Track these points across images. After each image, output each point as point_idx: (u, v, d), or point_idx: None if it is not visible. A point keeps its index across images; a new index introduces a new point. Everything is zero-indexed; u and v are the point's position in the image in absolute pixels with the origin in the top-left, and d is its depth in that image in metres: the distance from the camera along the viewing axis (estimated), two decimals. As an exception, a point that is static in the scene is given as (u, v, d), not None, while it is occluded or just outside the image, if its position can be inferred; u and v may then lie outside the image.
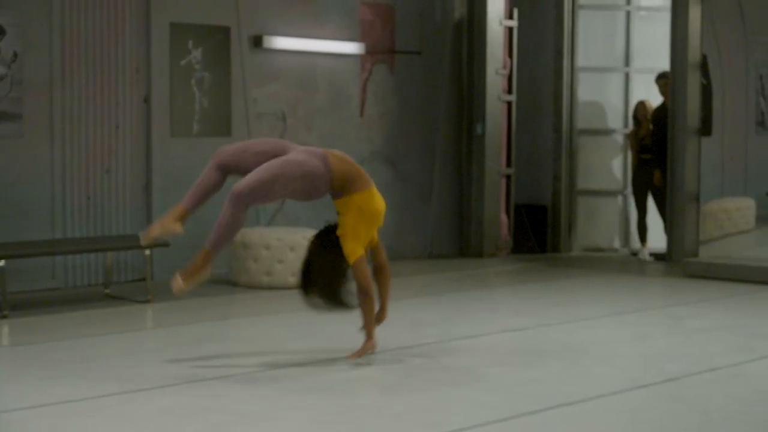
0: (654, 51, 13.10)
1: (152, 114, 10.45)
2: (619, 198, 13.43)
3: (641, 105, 12.71)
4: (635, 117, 12.74)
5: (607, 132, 13.38)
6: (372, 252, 7.14)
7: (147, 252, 9.37)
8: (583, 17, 13.18)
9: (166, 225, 6.99)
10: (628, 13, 13.37)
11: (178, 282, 6.78)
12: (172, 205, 10.43)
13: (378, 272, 7.20)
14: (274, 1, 11.26)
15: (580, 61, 13.17)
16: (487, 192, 12.53)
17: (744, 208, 11.52)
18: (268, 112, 11.25)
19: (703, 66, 11.59)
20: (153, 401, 5.89)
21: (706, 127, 11.60)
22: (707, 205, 11.40)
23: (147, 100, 10.44)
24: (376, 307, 7.09)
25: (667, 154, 11.91)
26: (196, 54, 10.68)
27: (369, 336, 7.00)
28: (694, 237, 11.63)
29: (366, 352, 6.95)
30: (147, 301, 9.20)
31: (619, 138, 13.39)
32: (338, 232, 6.95)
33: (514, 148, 12.86)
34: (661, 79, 12.35)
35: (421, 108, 12.51)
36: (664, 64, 12.25)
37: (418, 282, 10.65)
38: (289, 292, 9.80)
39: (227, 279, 10.32)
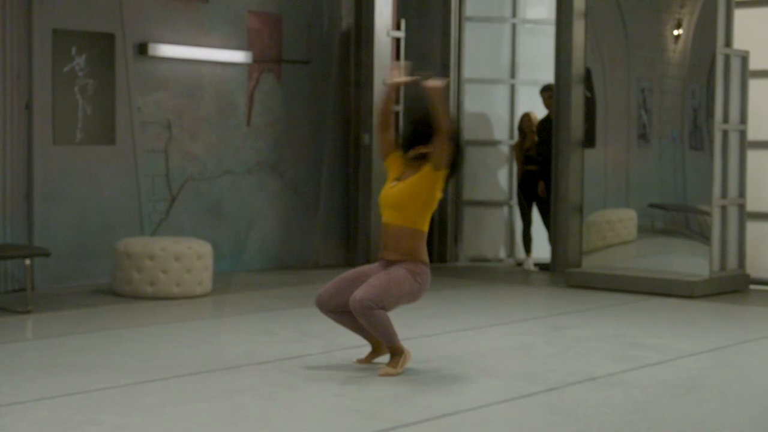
0: (539, 63, 13.28)
1: (34, 121, 10.26)
2: (505, 209, 13.56)
3: (526, 117, 12.86)
4: (520, 129, 12.89)
5: (493, 143, 13.50)
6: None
7: (27, 262, 9.20)
8: (469, 29, 13.30)
9: None
10: (513, 26, 13.52)
11: (390, 371, 6.83)
12: (53, 214, 10.33)
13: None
14: (160, 9, 11.15)
15: (467, 72, 13.28)
16: (374, 202, 12.55)
17: (626, 219, 11.68)
18: (153, 121, 11.14)
19: (587, 79, 11.76)
20: (30, 415, 5.77)
21: (589, 140, 11.77)
22: (590, 216, 11.56)
23: (28, 107, 10.25)
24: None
25: (552, 166, 12.07)
26: (80, 61, 10.52)
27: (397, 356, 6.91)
28: (577, 247, 11.80)
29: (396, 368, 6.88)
30: (27, 312, 9.02)
31: (505, 149, 13.53)
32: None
33: (401, 159, 12.89)
34: (546, 91, 12.52)
35: (308, 117, 12.49)
36: (549, 77, 12.42)
37: (304, 292, 10.61)
38: (173, 302, 9.71)
39: (110, 289, 10.17)
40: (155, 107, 11.16)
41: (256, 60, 11.94)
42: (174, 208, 11.32)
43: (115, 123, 10.81)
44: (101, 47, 10.69)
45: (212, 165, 11.64)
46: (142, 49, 10.96)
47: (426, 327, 8.64)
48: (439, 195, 7.04)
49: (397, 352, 6.86)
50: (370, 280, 6.84)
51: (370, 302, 6.69)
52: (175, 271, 9.88)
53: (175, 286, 9.89)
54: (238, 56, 11.73)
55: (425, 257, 7.03)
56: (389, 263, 6.97)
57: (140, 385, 6.47)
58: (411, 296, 6.94)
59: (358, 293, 6.73)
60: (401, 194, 6.98)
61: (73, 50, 10.49)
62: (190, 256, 9.96)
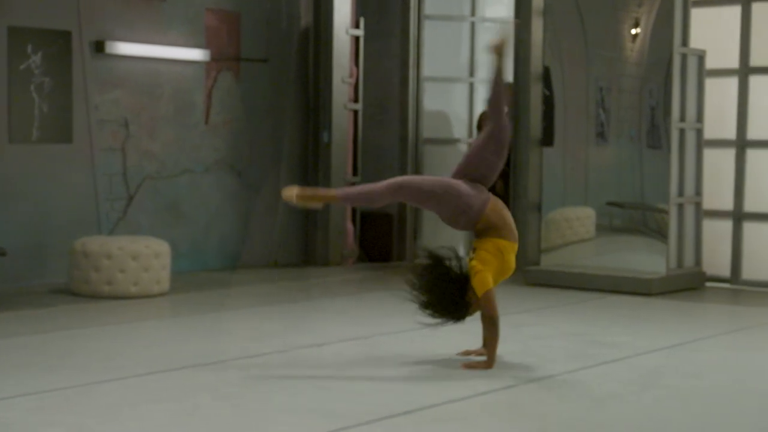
0: (498, 62, 13.27)
1: (-11, 119, 10.19)
2: (464, 207, 13.55)
3: (485, 115, 12.84)
4: (479, 127, 12.90)
5: (452, 141, 13.52)
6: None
7: (-18, 261, 9.13)
8: (428, 27, 13.30)
9: (316, 196, 7.34)
10: (473, 24, 13.54)
11: (292, 190, 7.13)
12: (10, 213, 10.25)
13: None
14: (117, 6, 11.08)
15: (426, 71, 13.29)
16: (333, 200, 12.53)
17: (584, 217, 11.73)
18: (111, 119, 11.07)
19: (546, 77, 11.80)
20: (-16, 415, 5.73)
21: (547, 138, 11.81)
22: (549, 214, 11.61)
23: (-16, 105, 10.18)
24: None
25: (510, 164, 12.10)
26: (36, 59, 10.44)
27: (490, 359, 7.08)
28: (535, 246, 11.84)
29: (480, 368, 7.02)
30: (-18, 312, 8.96)
31: (464, 147, 13.54)
32: (472, 264, 7.11)
33: (360, 157, 12.91)
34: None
35: (267, 116, 12.46)
36: (508, 76, 12.43)
37: (262, 291, 10.60)
38: (131, 302, 9.66)
39: (67, 289, 10.10)
40: (113, 105, 11.09)
41: (215, 58, 11.90)
42: (132, 207, 11.26)
43: (72, 121, 10.73)
44: (58, 45, 10.61)
45: (170, 164, 11.58)
46: (99, 46, 10.89)
47: (384, 325, 8.64)
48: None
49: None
50: None
51: (404, 190, 7.21)
52: (132, 271, 9.83)
53: (132, 285, 9.84)
54: (196, 54, 11.68)
55: None
56: None
57: (97, 385, 6.43)
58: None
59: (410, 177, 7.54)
60: None
61: (29, 48, 10.40)
62: (147, 256, 9.91)
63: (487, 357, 7.10)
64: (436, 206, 7.19)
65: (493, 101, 7.30)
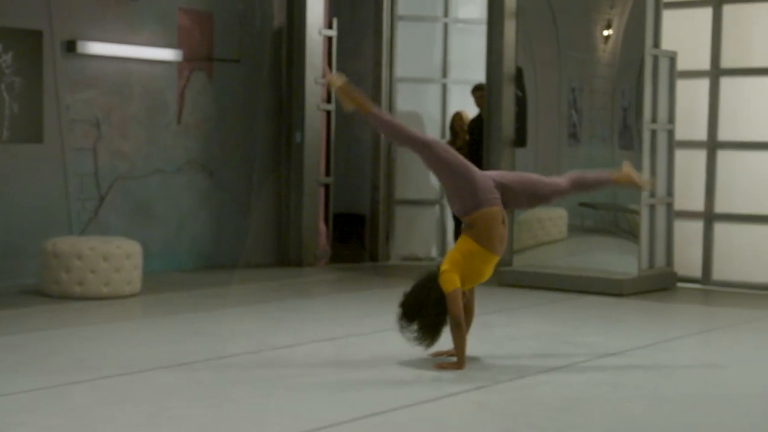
0: (470, 63, 13.32)
1: (-41, 119, 10.13)
2: (436, 207, 13.60)
3: (458, 116, 12.90)
4: (452, 128, 12.93)
5: (425, 142, 13.50)
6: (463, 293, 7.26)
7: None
8: (401, 28, 13.32)
9: (355, 98, 7.32)
10: (445, 25, 13.56)
11: (340, 79, 7.31)
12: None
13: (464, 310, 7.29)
14: (89, 6, 11.04)
15: (399, 71, 13.30)
16: (306, 201, 12.53)
17: (557, 217, 11.75)
18: (82, 119, 11.02)
19: (518, 78, 11.83)
20: (-48, 417, 5.69)
21: (520, 139, 11.83)
22: (521, 214, 11.63)
23: (-46, 104, 10.12)
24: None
25: (483, 165, 12.11)
26: (6, 58, 10.39)
27: (459, 361, 7.09)
28: (508, 246, 11.81)
29: (451, 369, 7.04)
30: (-48, 313, 8.90)
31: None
32: (441, 264, 7.18)
33: (333, 158, 12.90)
34: (477, 90, 12.56)
35: (239, 116, 12.44)
36: (480, 76, 12.46)
37: (235, 291, 10.57)
38: (102, 303, 9.62)
39: (38, 289, 10.05)
40: (84, 105, 11.04)
41: (187, 58, 11.86)
42: (103, 207, 11.22)
43: (43, 121, 10.68)
44: (29, 44, 10.56)
45: (142, 164, 11.55)
46: (70, 46, 10.85)
47: (356, 326, 8.64)
48: None
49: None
50: None
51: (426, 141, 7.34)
52: (103, 271, 9.79)
53: (103, 286, 9.80)
54: (168, 54, 11.64)
55: None
56: None
57: (68, 386, 6.40)
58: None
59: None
60: None
61: (0, 47, 10.35)
62: (119, 256, 9.88)
63: (457, 358, 7.11)
64: (446, 176, 7.21)
65: (588, 186, 7.57)
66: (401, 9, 13.32)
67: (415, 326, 7.15)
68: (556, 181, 7.43)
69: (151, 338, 8.09)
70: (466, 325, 7.24)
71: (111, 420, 5.68)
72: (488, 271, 7.28)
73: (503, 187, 7.25)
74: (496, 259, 7.26)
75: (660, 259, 11.27)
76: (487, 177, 7.27)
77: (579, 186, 7.51)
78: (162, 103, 11.72)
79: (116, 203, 11.32)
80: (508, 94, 11.93)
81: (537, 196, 7.39)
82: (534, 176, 7.53)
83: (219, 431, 5.53)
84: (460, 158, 7.24)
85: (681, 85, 11.53)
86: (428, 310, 7.11)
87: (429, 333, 7.15)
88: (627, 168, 7.58)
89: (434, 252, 13.57)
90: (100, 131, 11.17)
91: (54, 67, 10.74)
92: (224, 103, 12.28)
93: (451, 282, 7.06)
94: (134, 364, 7.03)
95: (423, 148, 7.22)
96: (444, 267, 7.13)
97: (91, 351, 7.53)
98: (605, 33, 11.29)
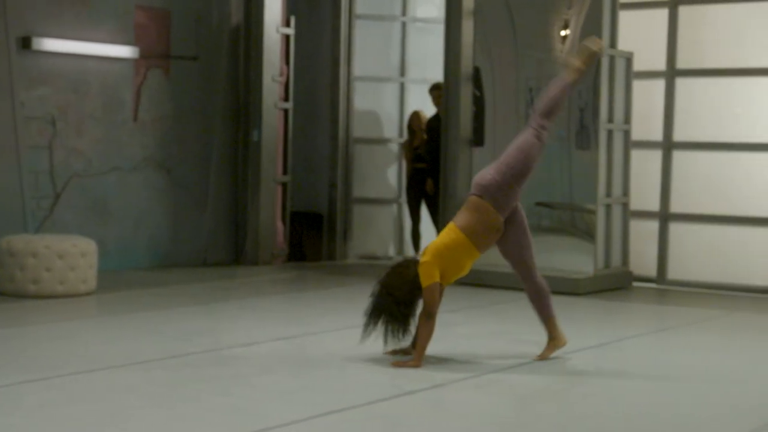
0: (428, 62, 13.35)
1: None
2: (394, 206, 13.61)
3: (415, 115, 12.92)
4: (410, 127, 12.95)
5: (383, 141, 13.54)
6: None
7: None
8: (359, 27, 13.32)
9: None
10: (403, 24, 13.57)
11: (601, 42, 7.48)
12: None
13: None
14: (45, 2, 10.96)
15: (357, 70, 13.30)
16: (263, 199, 12.50)
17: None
18: (37, 117, 10.94)
19: (476, 78, 11.86)
20: None
21: (478, 138, 11.86)
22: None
23: None
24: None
25: (440, 164, 12.13)
26: (-39, 54, 10.30)
27: (417, 357, 7.07)
28: (465, 245, 11.85)
29: (408, 367, 7.01)
30: None
31: (394, 147, 13.58)
32: (424, 252, 7.15)
33: (291, 156, 12.88)
34: (435, 89, 12.59)
35: (197, 114, 12.39)
36: (438, 76, 12.48)
37: (191, 290, 10.53)
38: (57, 301, 9.56)
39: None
40: (39, 102, 10.96)
41: (144, 55, 11.80)
42: (58, 205, 11.14)
43: (-3, 118, 10.61)
44: (-17, 41, 10.48)
45: (98, 161, 11.48)
46: (25, 42, 10.76)
47: (313, 325, 8.63)
48: None
49: None
50: None
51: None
52: (58, 269, 9.72)
53: (59, 284, 9.73)
54: (125, 51, 11.58)
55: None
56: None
57: (22, 385, 6.35)
58: None
59: None
60: None
61: (-46, 43, 10.27)
62: (74, 254, 9.81)
63: (414, 356, 7.12)
64: (527, 157, 7.27)
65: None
66: (359, 8, 13.32)
67: (384, 318, 7.10)
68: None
69: (107, 337, 8.04)
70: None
71: (66, 419, 5.64)
72: (468, 267, 7.29)
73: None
74: (476, 257, 7.26)
75: (616, 259, 11.34)
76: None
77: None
78: (118, 100, 11.65)
79: (72, 201, 11.25)
80: (466, 93, 11.95)
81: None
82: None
83: (174, 431, 5.51)
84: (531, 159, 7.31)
85: (637, 85, 11.61)
86: (402, 297, 7.08)
87: (398, 325, 7.11)
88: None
89: (392, 251, 13.59)
90: (55, 128, 11.10)
91: (9, 64, 10.65)
92: (181, 101, 12.23)
93: (429, 276, 7.05)
94: (89, 363, 6.99)
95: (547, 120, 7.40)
96: (425, 258, 7.11)
97: (46, 350, 7.48)
98: (562, 33, 11.34)
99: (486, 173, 7.26)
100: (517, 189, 7.25)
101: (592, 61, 7.55)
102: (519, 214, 7.36)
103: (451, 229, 7.21)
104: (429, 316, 7.06)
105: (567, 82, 7.42)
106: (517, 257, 7.38)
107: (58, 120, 11.12)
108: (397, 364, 7.07)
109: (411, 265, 7.18)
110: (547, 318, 7.46)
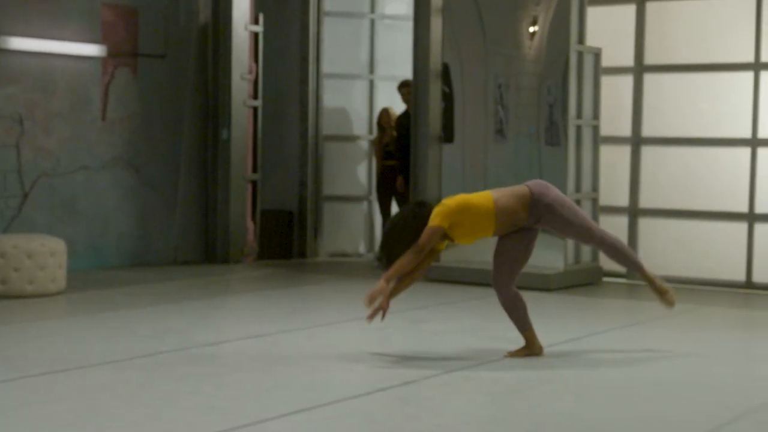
0: (397, 59, 13.35)
1: None
2: (364, 204, 13.61)
3: (385, 112, 12.92)
4: (379, 124, 12.94)
5: (353, 138, 13.54)
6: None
7: None
8: (328, 24, 13.31)
9: None
10: (372, 21, 13.57)
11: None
12: None
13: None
14: (11, 1, 10.88)
15: (326, 67, 13.29)
16: (233, 197, 12.47)
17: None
18: (4, 116, 10.88)
19: (445, 75, 11.87)
20: None
21: (447, 135, 11.88)
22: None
23: None
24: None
25: (410, 161, 12.14)
26: (-74, 53, 10.23)
27: (385, 276, 7.06)
28: (435, 242, 11.87)
29: (377, 292, 6.99)
30: None
31: (364, 144, 13.57)
32: (445, 201, 7.24)
33: (260, 154, 12.85)
34: (404, 87, 12.59)
35: (165, 112, 12.35)
36: (407, 73, 12.49)
37: (162, 289, 10.50)
38: (26, 301, 9.51)
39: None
40: (6, 101, 10.90)
41: (111, 54, 11.75)
42: (26, 204, 11.08)
43: (-36, 117, 10.54)
44: (-51, 39, 10.41)
45: (66, 160, 11.42)
46: (-8, 41, 10.72)
47: (284, 323, 8.62)
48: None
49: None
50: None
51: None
52: (27, 269, 9.67)
53: (27, 284, 9.68)
54: (92, 50, 11.53)
55: None
56: None
57: (-10, 386, 6.33)
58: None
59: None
60: None
61: None
62: (43, 254, 9.76)
63: (383, 277, 7.09)
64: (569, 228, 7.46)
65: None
66: (328, 5, 13.31)
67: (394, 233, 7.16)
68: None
69: (77, 337, 8.00)
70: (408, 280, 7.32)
71: (37, 420, 5.61)
72: (474, 238, 7.32)
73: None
74: (488, 233, 7.30)
75: (586, 254, 11.38)
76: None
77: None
78: (86, 99, 11.60)
79: (40, 200, 11.19)
80: (435, 90, 11.96)
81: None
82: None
83: (146, 430, 5.49)
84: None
85: (605, 81, 11.65)
86: (406, 225, 7.14)
87: (388, 247, 7.18)
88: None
89: (362, 248, 13.59)
90: (22, 127, 11.04)
91: (-25, 63, 10.60)
92: (150, 99, 12.19)
93: (441, 218, 7.07)
94: (59, 362, 6.95)
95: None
96: (448, 201, 7.19)
97: (15, 350, 7.44)
98: (531, 29, 11.37)
99: (555, 189, 7.37)
100: (545, 224, 7.34)
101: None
102: (535, 237, 7.42)
103: (485, 196, 7.24)
104: (417, 252, 7.09)
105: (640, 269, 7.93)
106: (507, 263, 7.40)
107: (26, 119, 11.06)
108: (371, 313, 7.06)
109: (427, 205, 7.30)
110: (523, 329, 7.47)
